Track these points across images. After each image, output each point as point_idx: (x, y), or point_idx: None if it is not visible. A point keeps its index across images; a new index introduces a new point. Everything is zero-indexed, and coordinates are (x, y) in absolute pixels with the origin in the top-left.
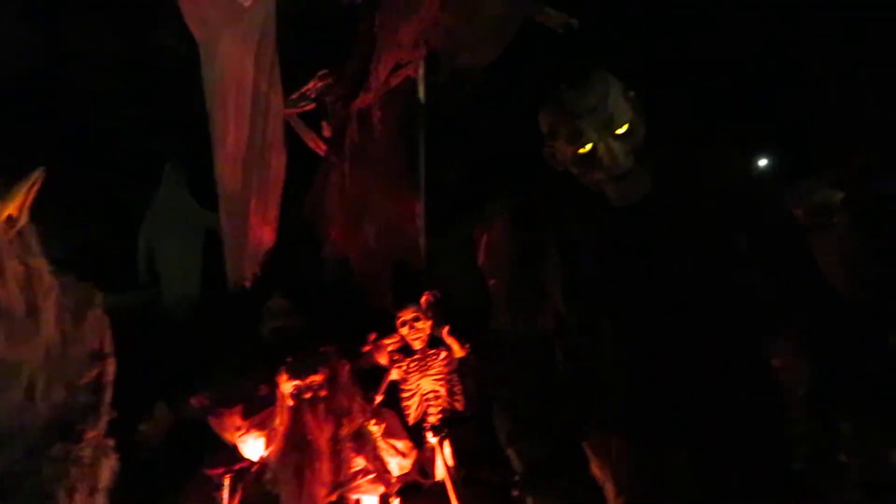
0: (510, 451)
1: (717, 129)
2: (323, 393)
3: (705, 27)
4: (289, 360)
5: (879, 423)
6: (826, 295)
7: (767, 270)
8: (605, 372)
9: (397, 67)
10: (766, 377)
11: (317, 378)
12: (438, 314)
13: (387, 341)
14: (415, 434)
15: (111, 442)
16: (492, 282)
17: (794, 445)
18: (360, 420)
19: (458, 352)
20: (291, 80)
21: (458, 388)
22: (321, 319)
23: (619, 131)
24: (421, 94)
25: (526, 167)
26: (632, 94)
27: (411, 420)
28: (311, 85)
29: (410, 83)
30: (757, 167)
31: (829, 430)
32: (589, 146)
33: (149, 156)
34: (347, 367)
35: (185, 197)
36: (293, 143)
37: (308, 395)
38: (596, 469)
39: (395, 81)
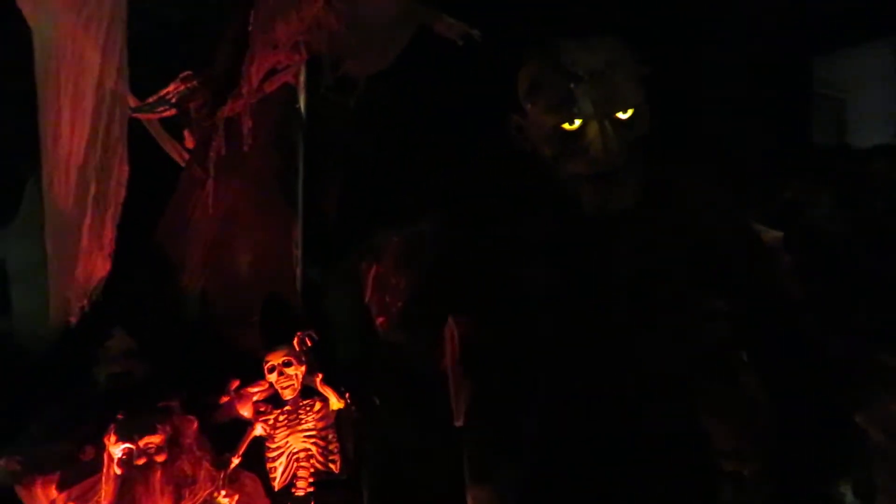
0: None
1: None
2: (161, 458)
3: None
4: (120, 416)
5: None
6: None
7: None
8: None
9: (273, 72)
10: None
11: (154, 440)
12: (313, 359)
13: (252, 390)
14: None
15: None
16: (380, 321)
17: None
18: (207, 490)
19: (336, 403)
20: (149, 82)
21: (333, 447)
22: (172, 364)
23: (622, 115)
24: (301, 103)
25: (420, 190)
26: (647, 72)
27: (277, 485)
28: (171, 88)
29: (288, 91)
30: None
31: None
32: (578, 122)
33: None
34: (195, 425)
35: None
36: (141, 155)
37: (141, 462)
38: None
39: (269, 88)
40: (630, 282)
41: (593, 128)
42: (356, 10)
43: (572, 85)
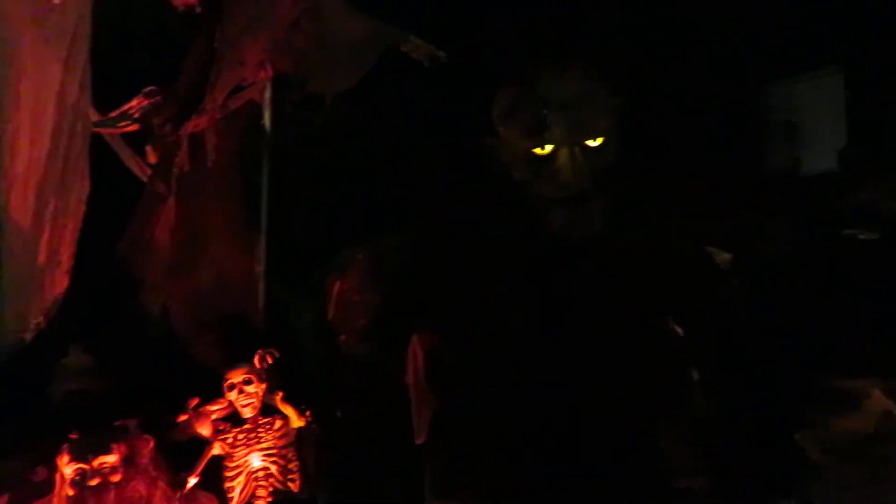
0: None
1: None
2: (115, 478)
3: None
4: (73, 436)
5: None
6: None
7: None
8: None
9: (238, 89)
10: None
11: (108, 459)
12: (274, 377)
13: (211, 408)
14: None
15: None
16: (343, 337)
17: None
18: None
19: (297, 421)
20: (112, 97)
21: (293, 466)
22: (131, 382)
23: (592, 143)
24: (266, 121)
25: (385, 207)
26: (619, 103)
27: None
28: (134, 103)
29: (253, 108)
30: None
31: None
32: (549, 147)
33: None
34: (151, 444)
35: None
36: (102, 170)
37: (95, 482)
38: None
39: (234, 105)
40: (592, 303)
41: (564, 153)
42: (323, 29)
43: (545, 112)
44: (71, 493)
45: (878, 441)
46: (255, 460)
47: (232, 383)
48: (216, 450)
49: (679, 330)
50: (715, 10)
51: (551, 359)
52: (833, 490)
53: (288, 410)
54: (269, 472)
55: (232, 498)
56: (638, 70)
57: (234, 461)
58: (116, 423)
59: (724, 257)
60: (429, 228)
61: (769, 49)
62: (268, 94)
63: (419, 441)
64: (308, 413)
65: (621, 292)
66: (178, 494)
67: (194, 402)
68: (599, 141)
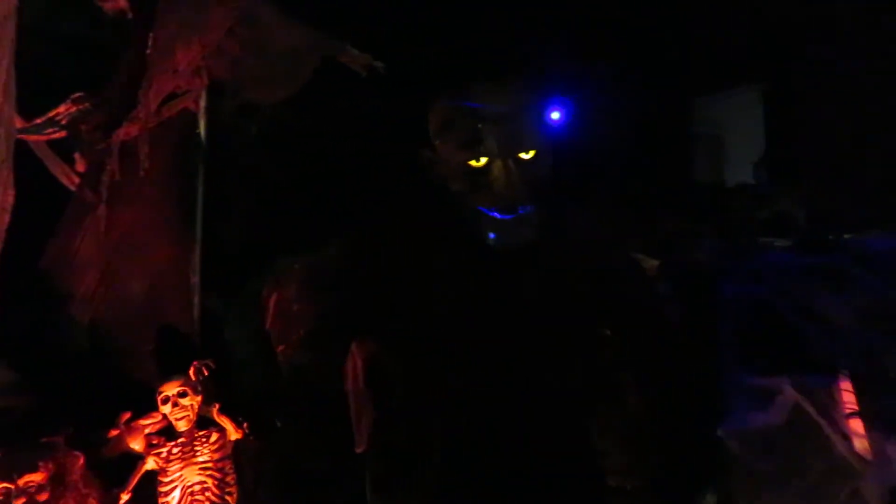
0: None
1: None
2: (42, 497)
3: None
4: None
5: None
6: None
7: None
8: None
9: (173, 97)
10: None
11: (35, 478)
12: (210, 389)
13: (144, 422)
14: None
15: None
16: (280, 348)
17: None
18: None
19: (234, 433)
20: (38, 103)
21: (230, 479)
22: (59, 398)
23: (525, 155)
24: (201, 129)
25: (323, 217)
26: (555, 116)
27: None
28: (62, 109)
29: (188, 116)
30: None
31: None
32: (484, 160)
33: None
34: (81, 461)
35: None
36: (27, 179)
37: (21, 502)
38: None
39: (168, 113)
40: (529, 310)
41: (498, 166)
42: (259, 37)
43: (480, 125)
44: None
45: (790, 432)
46: (191, 475)
47: (166, 396)
48: (149, 465)
49: (610, 332)
50: (645, 30)
51: (488, 364)
52: (751, 480)
53: (225, 423)
54: (205, 486)
55: None
56: (572, 85)
57: (168, 476)
58: (44, 440)
59: (651, 264)
60: (367, 238)
61: (695, 67)
62: (203, 102)
63: (360, 449)
64: (246, 425)
65: (555, 299)
66: None
67: (126, 416)
68: (532, 153)
